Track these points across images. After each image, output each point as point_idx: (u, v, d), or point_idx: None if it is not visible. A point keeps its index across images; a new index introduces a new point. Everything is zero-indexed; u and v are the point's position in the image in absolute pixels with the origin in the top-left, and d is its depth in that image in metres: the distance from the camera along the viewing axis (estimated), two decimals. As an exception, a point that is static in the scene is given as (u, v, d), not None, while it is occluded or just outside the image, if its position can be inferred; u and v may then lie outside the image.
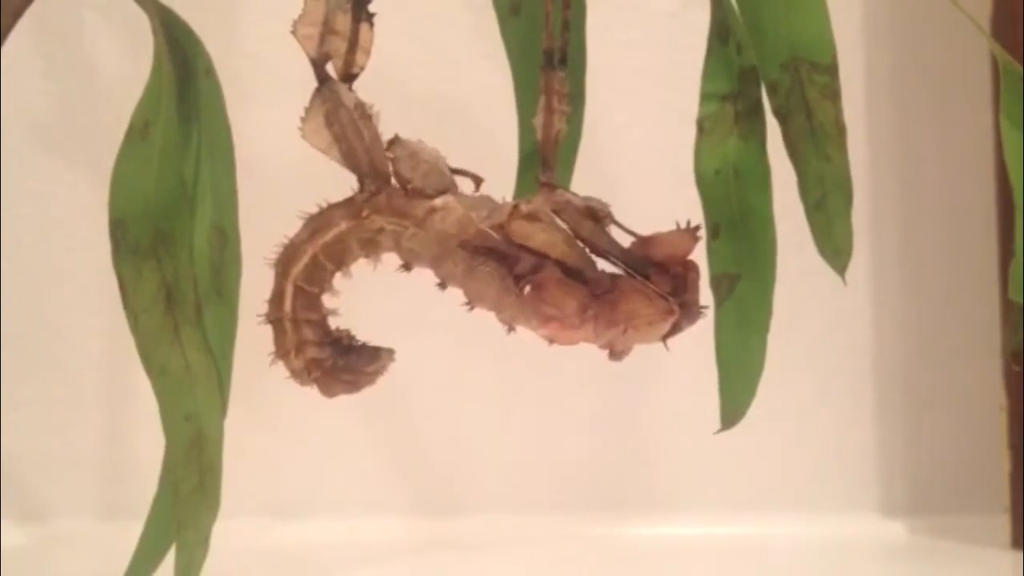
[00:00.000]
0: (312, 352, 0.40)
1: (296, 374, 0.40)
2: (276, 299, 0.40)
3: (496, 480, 0.70)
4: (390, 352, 0.40)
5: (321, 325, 0.40)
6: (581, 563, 0.65)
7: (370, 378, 0.40)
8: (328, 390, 0.40)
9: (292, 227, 0.41)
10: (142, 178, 0.40)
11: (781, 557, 0.65)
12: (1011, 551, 0.65)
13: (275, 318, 0.40)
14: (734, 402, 0.42)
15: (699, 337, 0.40)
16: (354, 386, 0.40)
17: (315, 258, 0.39)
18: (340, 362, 0.40)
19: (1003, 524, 0.66)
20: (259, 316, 0.40)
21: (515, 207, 0.38)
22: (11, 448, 0.70)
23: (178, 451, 0.40)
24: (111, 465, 0.70)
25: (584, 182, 0.43)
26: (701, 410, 0.44)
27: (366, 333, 0.41)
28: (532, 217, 0.38)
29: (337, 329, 0.40)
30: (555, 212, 0.38)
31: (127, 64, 0.67)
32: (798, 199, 0.40)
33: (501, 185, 0.41)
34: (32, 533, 0.69)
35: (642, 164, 0.68)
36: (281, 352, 0.40)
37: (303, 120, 0.39)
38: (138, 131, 0.40)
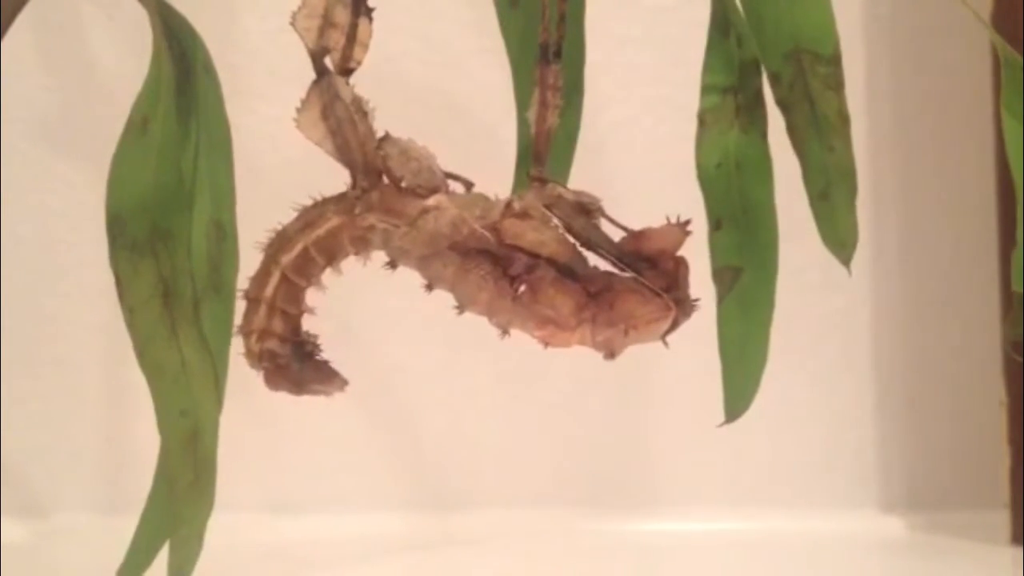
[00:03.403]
0: (272, 344, 0.40)
1: (249, 356, 0.40)
2: (260, 279, 0.40)
3: (495, 476, 0.70)
4: (343, 381, 0.41)
5: (293, 321, 0.40)
6: (581, 559, 0.65)
7: (313, 392, 0.41)
8: (271, 382, 0.41)
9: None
10: (140, 173, 0.40)
11: (780, 552, 0.65)
12: (1011, 547, 0.65)
13: (253, 296, 0.40)
14: (738, 395, 0.42)
15: (698, 333, 0.40)
16: (297, 390, 0.41)
17: (306, 251, 0.39)
18: (295, 366, 0.40)
19: (1003, 520, 0.66)
20: (240, 290, 0.40)
21: (507, 205, 0.38)
22: (11, 443, 0.70)
23: (174, 447, 0.40)
24: (111, 460, 0.70)
25: (584, 177, 0.43)
26: (700, 405, 0.44)
27: (365, 327, 0.41)
28: (524, 215, 0.37)
29: (307, 332, 0.40)
30: (547, 207, 0.38)
31: (126, 59, 0.67)
32: (799, 192, 0.40)
33: (499, 179, 0.41)
34: (32, 528, 0.69)
35: (643, 158, 0.68)
36: (245, 330, 0.40)
37: (299, 111, 0.39)
38: (136, 126, 0.40)
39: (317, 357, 0.40)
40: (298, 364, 0.40)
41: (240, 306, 0.42)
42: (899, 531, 0.69)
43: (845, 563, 0.64)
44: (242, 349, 0.40)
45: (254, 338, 0.40)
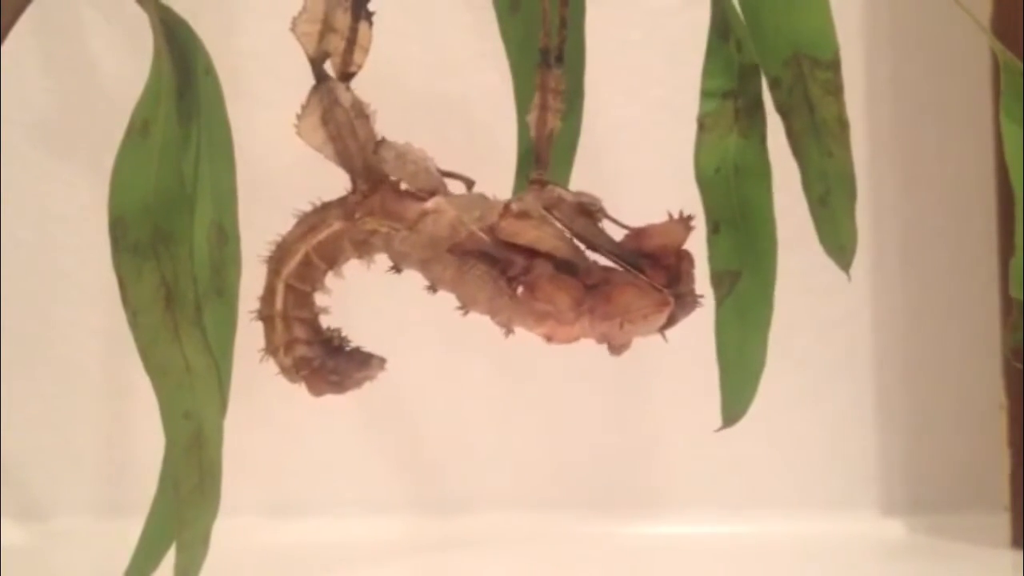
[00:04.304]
0: (301, 350, 0.40)
1: (285, 371, 0.40)
2: (268, 296, 0.40)
3: (495, 478, 0.70)
4: (381, 361, 0.40)
5: (312, 323, 0.40)
6: (580, 561, 0.65)
7: (356, 382, 0.40)
8: (315, 389, 0.40)
9: (291, 226, 0.41)
10: (142, 176, 0.40)
11: (780, 555, 0.65)
12: (1011, 550, 0.65)
13: (266, 315, 0.40)
14: (735, 400, 0.42)
15: (698, 335, 0.40)
16: (340, 388, 0.40)
17: (307, 256, 0.39)
18: (329, 363, 0.40)
19: (1003, 523, 0.66)
20: (251, 312, 0.40)
21: (506, 206, 0.38)
22: (11, 446, 0.70)
23: (178, 450, 0.40)
24: (111, 463, 0.70)
25: (584, 180, 0.43)
26: (700, 408, 0.44)
27: (366, 331, 0.41)
28: (522, 215, 0.38)
29: (328, 329, 0.40)
30: (547, 209, 0.38)
31: (127, 62, 0.67)
32: (798, 197, 0.40)
33: (500, 183, 0.41)
34: (32, 531, 0.69)
35: (642, 162, 0.68)
36: (271, 348, 0.40)
37: (299, 117, 0.39)
38: (138, 129, 0.40)
39: (347, 348, 0.41)
40: (332, 360, 0.40)
41: (244, 313, 0.42)
42: (899, 534, 0.69)
43: (845, 566, 0.64)
44: (275, 370, 0.40)
45: (282, 352, 0.40)
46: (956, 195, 0.70)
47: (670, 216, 0.37)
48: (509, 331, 0.38)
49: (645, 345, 0.39)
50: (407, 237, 0.38)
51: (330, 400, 0.42)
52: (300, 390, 0.41)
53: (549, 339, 0.38)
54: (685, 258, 0.37)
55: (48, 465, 0.70)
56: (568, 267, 0.37)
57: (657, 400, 0.70)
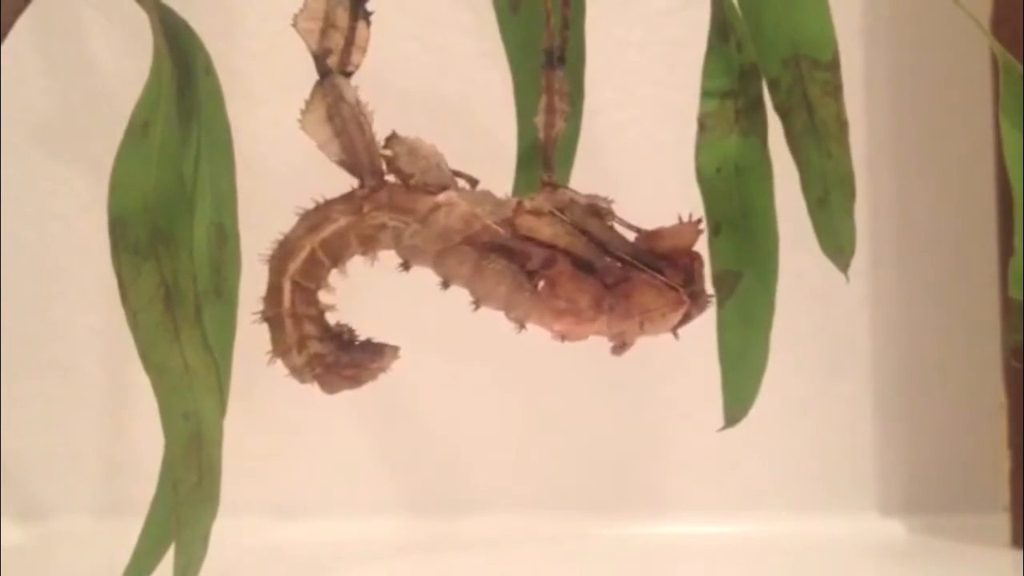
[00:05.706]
0: (315, 347, 0.39)
1: (296, 371, 0.40)
2: (273, 296, 0.40)
3: (496, 480, 0.70)
4: (394, 349, 0.40)
5: (320, 320, 0.40)
6: (581, 562, 0.65)
7: (372, 373, 0.40)
8: (329, 386, 0.40)
9: (291, 225, 0.41)
10: (141, 176, 0.40)
11: (779, 556, 0.65)
12: (1011, 550, 0.65)
13: (273, 315, 0.40)
14: (737, 400, 0.42)
15: (700, 336, 0.40)
16: (356, 381, 0.40)
17: (313, 253, 0.39)
18: (343, 357, 0.40)
19: (1003, 523, 0.66)
20: (254, 313, 0.40)
21: (519, 203, 0.38)
22: (11, 446, 0.70)
23: (177, 450, 0.40)
24: (111, 463, 0.70)
25: (585, 180, 0.43)
26: (700, 409, 0.44)
27: (365, 332, 0.41)
28: (537, 213, 0.38)
29: (337, 324, 0.40)
30: (559, 211, 0.38)
31: (127, 62, 0.67)
32: (797, 197, 0.41)
33: (499, 183, 0.41)
34: (32, 531, 0.69)
35: (643, 162, 0.68)
36: (281, 349, 0.40)
37: (304, 113, 0.39)
38: (137, 129, 0.40)
39: (358, 341, 0.40)
40: (346, 355, 0.40)
41: (243, 313, 0.42)
42: (898, 534, 0.69)
43: (844, 566, 0.64)
44: (285, 371, 0.40)
45: (295, 351, 0.39)
46: (955, 195, 0.70)
47: (679, 219, 0.38)
48: (522, 327, 0.38)
49: (646, 345, 0.39)
50: (418, 231, 0.38)
51: (330, 400, 0.42)
52: (300, 390, 0.41)
53: (563, 337, 0.38)
54: (697, 258, 0.38)
55: (48, 465, 0.70)
56: (586, 266, 0.38)
57: (657, 401, 0.70)
